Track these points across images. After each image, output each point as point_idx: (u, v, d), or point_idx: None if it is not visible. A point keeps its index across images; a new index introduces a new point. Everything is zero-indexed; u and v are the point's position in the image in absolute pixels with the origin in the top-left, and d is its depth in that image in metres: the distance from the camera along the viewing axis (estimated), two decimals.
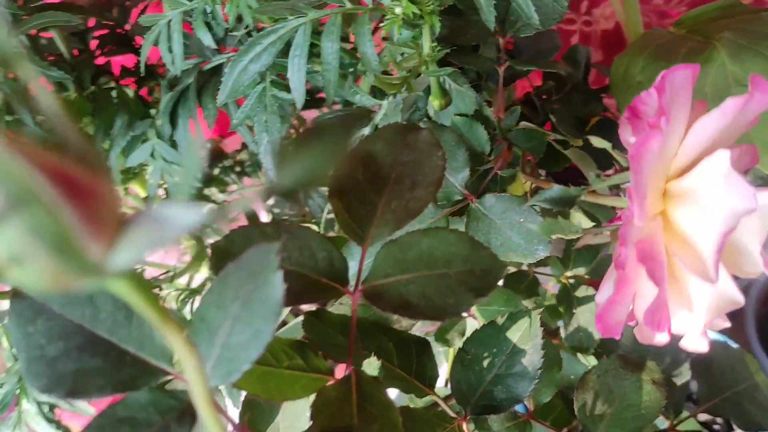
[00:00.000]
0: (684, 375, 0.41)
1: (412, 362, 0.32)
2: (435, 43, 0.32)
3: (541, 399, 0.34)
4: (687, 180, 0.23)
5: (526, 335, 0.30)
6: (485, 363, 0.32)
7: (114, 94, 0.49)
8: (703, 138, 0.23)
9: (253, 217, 0.55)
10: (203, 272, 0.66)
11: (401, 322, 0.37)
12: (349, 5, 0.30)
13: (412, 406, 0.33)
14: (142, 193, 0.58)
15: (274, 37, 0.31)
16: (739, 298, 0.22)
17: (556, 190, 0.27)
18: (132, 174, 0.55)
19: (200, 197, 0.58)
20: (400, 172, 0.28)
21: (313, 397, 0.24)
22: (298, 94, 0.31)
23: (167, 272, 0.64)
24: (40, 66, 0.43)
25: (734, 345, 0.48)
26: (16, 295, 0.22)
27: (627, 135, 0.25)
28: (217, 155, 0.60)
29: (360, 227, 0.27)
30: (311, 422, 0.23)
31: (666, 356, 0.41)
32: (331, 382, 0.25)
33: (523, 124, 0.40)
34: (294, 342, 0.26)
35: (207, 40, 0.36)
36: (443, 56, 0.33)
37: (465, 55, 0.34)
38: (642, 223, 0.22)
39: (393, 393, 0.33)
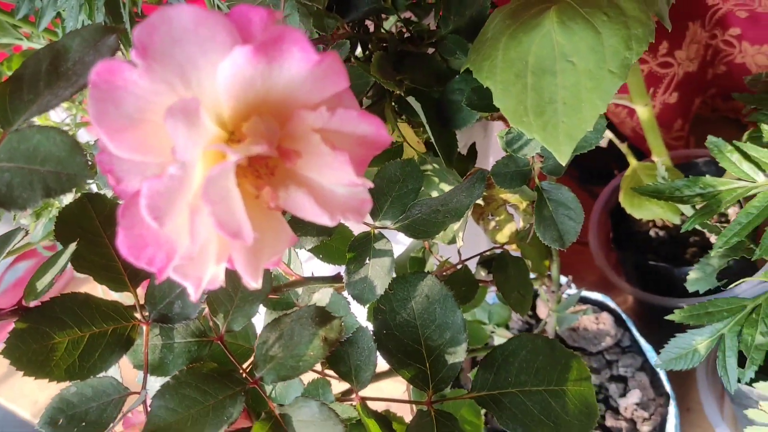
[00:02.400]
0: (459, 355, 0.38)
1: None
2: None
3: (232, 326, 0.34)
4: None
5: None
6: None
7: None
8: None
9: None
10: None
11: None
12: None
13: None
14: None
15: None
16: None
17: None
18: None
19: None
20: (76, 70, 0.29)
21: None
22: None
23: None
24: None
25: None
26: None
27: None
28: None
29: (14, 111, 0.29)
30: None
31: (447, 331, 0.39)
32: None
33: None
34: None
35: None
36: None
37: None
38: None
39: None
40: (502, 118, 0.41)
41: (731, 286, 0.43)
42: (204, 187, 0.21)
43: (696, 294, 0.50)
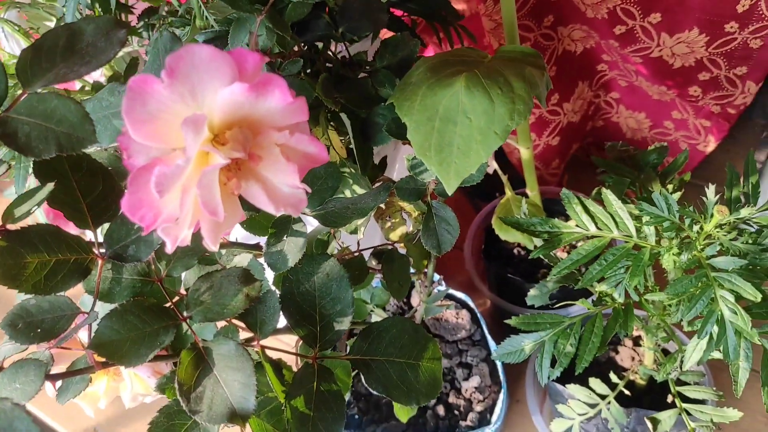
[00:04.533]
0: (344, 324, 0.48)
1: (98, 202, 0.42)
2: None
3: (172, 273, 0.43)
4: None
5: None
6: (135, 226, 0.41)
7: None
8: None
9: None
10: None
11: None
12: None
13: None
14: None
15: None
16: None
17: None
18: None
19: None
20: (88, 51, 0.37)
21: None
22: None
23: None
24: None
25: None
26: None
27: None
28: None
29: (32, 75, 0.36)
30: None
31: (338, 304, 0.48)
32: None
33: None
34: None
35: None
36: None
37: None
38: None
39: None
40: (409, 144, 0.51)
41: (557, 305, 0.55)
42: (199, 179, 0.30)
43: (533, 307, 0.62)
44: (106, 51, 0.37)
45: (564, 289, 0.59)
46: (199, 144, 0.30)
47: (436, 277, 0.65)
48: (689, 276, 0.47)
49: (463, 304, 0.76)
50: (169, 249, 0.32)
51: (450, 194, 0.45)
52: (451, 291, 0.76)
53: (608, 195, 0.52)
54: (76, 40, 0.37)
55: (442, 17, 0.62)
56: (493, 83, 0.44)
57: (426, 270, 0.61)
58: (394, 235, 0.58)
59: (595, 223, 0.52)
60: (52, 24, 0.75)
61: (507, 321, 0.54)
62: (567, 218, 0.88)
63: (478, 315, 0.74)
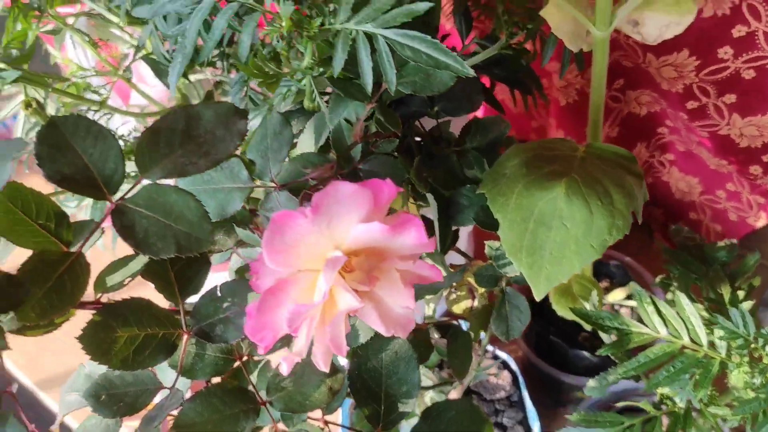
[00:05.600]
0: (409, 406, 0.48)
1: (184, 271, 0.42)
2: (314, 59, 0.39)
3: (254, 352, 0.43)
4: None
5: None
6: (224, 304, 0.41)
7: None
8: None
9: None
10: None
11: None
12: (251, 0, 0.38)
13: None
14: None
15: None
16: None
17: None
18: None
19: None
20: (207, 140, 0.36)
21: None
22: (189, 42, 0.39)
23: None
24: None
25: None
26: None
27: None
28: None
29: (150, 162, 0.35)
30: None
31: (405, 385, 0.48)
32: None
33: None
34: None
35: None
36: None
37: (341, 82, 0.41)
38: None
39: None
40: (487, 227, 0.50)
41: (619, 404, 0.55)
42: (333, 321, 0.29)
43: (575, 372, 0.63)
44: (225, 142, 0.36)
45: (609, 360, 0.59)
46: (334, 280, 0.30)
47: (489, 347, 0.66)
48: (759, 398, 0.47)
49: (505, 365, 0.76)
50: (286, 372, 0.32)
51: (538, 300, 0.45)
52: (497, 351, 0.76)
53: (681, 299, 0.52)
54: (193, 125, 0.37)
55: (525, 84, 0.62)
56: (592, 192, 0.44)
57: (481, 339, 0.61)
58: (458, 308, 0.57)
59: (667, 327, 0.52)
60: (119, 34, 0.74)
61: (567, 416, 0.53)
62: (611, 282, 0.88)
63: (519, 378, 0.74)
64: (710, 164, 0.87)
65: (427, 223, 0.50)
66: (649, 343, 0.52)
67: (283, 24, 0.37)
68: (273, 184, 0.40)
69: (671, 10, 0.51)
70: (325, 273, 0.29)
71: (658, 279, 0.62)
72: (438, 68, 0.35)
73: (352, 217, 0.30)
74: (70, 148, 0.35)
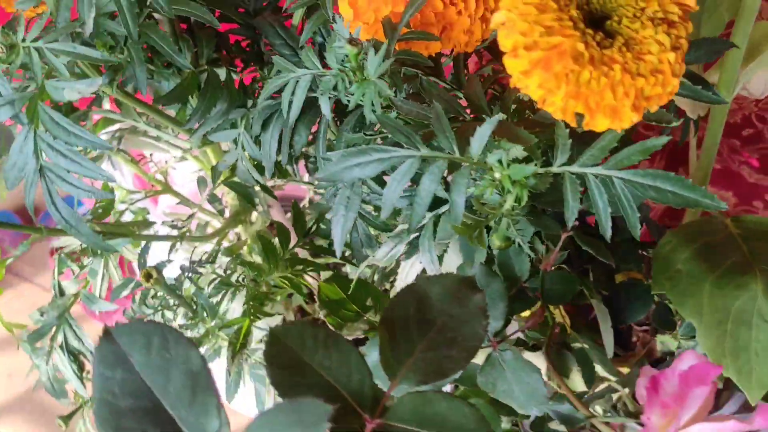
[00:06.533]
0: None
1: None
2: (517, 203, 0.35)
3: None
4: None
5: None
6: None
7: (222, 75, 0.53)
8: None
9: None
10: (237, 229, 0.70)
11: None
12: (458, 155, 0.34)
13: None
14: (213, 159, 0.62)
15: (385, 155, 0.34)
16: None
17: (566, 408, 0.32)
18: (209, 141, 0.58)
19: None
20: (446, 323, 0.32)
21: None
22: (386, 210, 0.35)
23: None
24: (165, 41, 0.47)
25: None
26: (104, 335, 0.27)
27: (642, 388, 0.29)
28: None
29: (396, 362, 0.31)
30: None
31: None
32: None
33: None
34: None
35: (326, 110, 0.40)
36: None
37: (536, 216, 0.38)
38: None
39: None
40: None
41: None
42: None
43: None
44: (470, 324, 0.33)
45: None
46: None
47: None
48: None
49: None
50: None
51: (753, 405, 0.43)
52: None
53: None
54: (424, 307, 0.33)
55: None
56: None
57: None
58: None
59: None
60: (157, 145, 0.68)
61: None
62: None
63: None
64: (751, 179, 0.88)
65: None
66: None
67: (496, 175, 0.34)
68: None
69: None
70: None
71: None
72: (688, 206, 0.33)
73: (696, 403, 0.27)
74: (305, 365, 0.30)
